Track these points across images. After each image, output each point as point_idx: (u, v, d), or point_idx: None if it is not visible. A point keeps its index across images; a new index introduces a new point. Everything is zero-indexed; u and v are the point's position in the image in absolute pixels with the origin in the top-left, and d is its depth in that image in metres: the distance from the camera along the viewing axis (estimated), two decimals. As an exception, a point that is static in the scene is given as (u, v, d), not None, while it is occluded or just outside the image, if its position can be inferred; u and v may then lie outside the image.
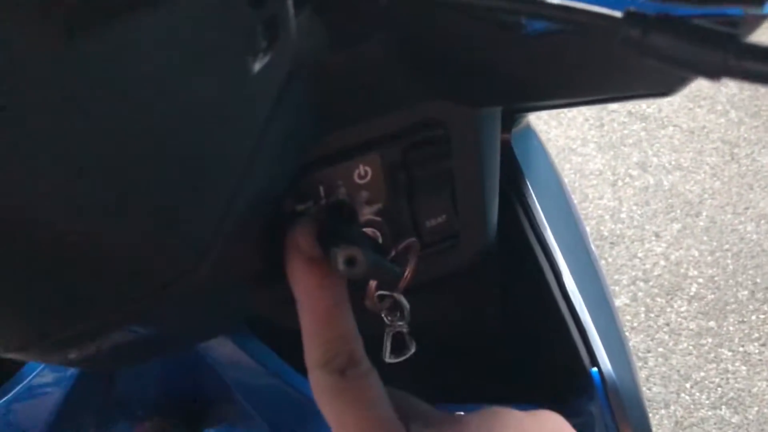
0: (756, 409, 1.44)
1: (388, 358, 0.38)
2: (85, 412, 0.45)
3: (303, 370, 0.41)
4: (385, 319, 0.36)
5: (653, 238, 1.75)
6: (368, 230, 0.34)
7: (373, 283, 0.35)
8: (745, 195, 1.83)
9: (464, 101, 0.33)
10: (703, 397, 1.45)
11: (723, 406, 1.44)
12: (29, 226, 0.20)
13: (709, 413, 1.43)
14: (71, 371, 0.43)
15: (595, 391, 0.39)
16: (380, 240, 0.35)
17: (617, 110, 2.08)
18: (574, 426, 0.39)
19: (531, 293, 0.43)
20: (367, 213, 0.34)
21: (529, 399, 0.41)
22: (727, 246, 1.72)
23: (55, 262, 0.22)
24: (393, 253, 0.35)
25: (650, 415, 1.44)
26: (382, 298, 0.36)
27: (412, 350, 0.37)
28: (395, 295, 0.35)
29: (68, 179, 0.19)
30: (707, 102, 2.05)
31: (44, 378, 0.43)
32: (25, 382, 0.44)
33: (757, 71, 0.18)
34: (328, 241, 0.31)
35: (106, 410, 0.45)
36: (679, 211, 1.82)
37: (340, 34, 0.29)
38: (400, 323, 0.36)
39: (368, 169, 0.33)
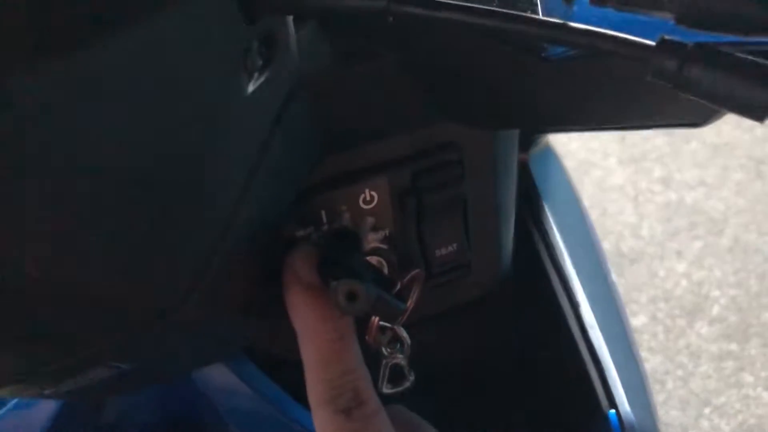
0: None
1: (385, 389, 0.36)
2: (78, 430, 0.43)
3: (301, 399, 0.39)
4: (383, 350, 0.34)
5: (674, 256, 1.72)
6: (373, 259, 0.32)
7: (375, 319, 0.33)
8: None
9: (479, 124, 0.31)
10: (723, 423, 1.41)
11: None
12: (8, 264, 0.18)
13: (729, 440, 1.39)
14: None
15: (610, 426, 0.37)
16: (386, 269, 0.33)
17: (640, 124, 2.04)
18: None
19: (547, 327, 0.41)
20: (372, 240, 0.32)
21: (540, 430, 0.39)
22: (751, 266, 1.68)
23: (35, 300, 0.20)
24: (398, 286, 0.32)
25: (665, 440, 1.41)
26: (382, 329, 0.34)
27: (410, 382, 0.36)
28: (395, 327, 0.33)
29: (50, 213, 0.17)
30: (733, 117, 2.00)
31: None
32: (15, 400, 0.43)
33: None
34: (329, 271, 0.29)
35: (98, 430, 0.43)
36: (701, 229, 1.78)
37: (345, 52, 0.27)
38: (400, 355, 0.34)
39: (375, 193, 0.31)
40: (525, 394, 0.41)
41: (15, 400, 0.41)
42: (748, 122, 1.53)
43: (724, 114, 0.27)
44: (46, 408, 0.42)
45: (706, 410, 1.43)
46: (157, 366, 0.29)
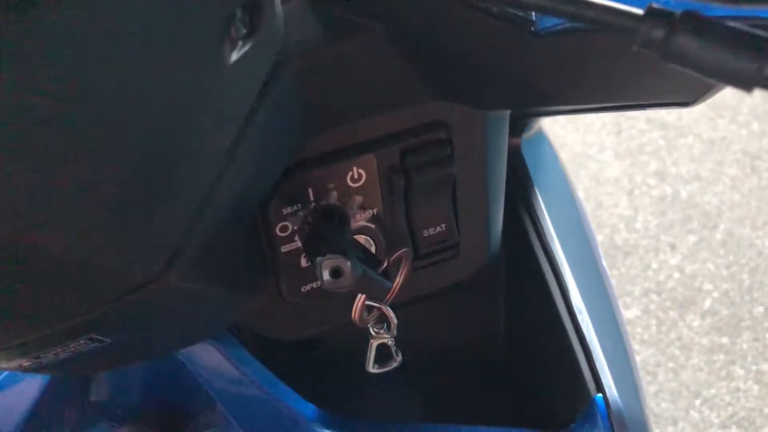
0: (767, 430, 1.40)
1: (372, 369, 0.36)
2: (64, 409, 0.43)
3: (287, 380, 0.39)
4: (370, 330, 0.34)
5: (668, 249, 1.72)
6: (360, 238, 0.32)
7: (362, 297, 0.32)
8: (765, 209, 1.80)
9: (468, 102, 0.30)
10: (713, 415, 1.42)
11: (733, 426, 1.41)
12: None
13: (719, 432, 1.40)
14: None
15: (598, 418, 0.37)
16: (373, 248, 0.32)
17: (636, 117, 2.04)
18: None
19: (536, 311, 0.41)
20: (360, 219, 0.32)
21: (530, 421, 0.39)
22: (744, 260, 1.68)
23: (19, 267, 0.19)
24: (385, 263, 0.32)
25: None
26: (369, 308, 0.33)
27: (398, 362, 0.35)
28: (382, 307, 0.33)
29: (32, 180, 0.17)
30: (729, 112, 2.01)
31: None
32: (4, 372, 0.42)
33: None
34: (316, 247, 0.29)
35: (83, 410, 0.43)
36: (696, 223, 1.78)
37: (334, 25, 0.27)
38: (386, 335, 0.34)
39: (363, 171, 0.31)
40: (512, 378, 0.41)
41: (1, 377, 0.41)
42: (743, 117, 1.54)
43: (713, 93, 0.27)
44: (31, 388, 0.42)
45: (697, 402, 1.44)
46: (141, 341, 0.29)
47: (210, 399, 0.41)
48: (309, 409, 0.38)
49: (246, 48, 0.22)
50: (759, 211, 1.76)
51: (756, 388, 1.45)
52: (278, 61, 0.25)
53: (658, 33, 0.17)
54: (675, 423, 1.39)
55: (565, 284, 0.40)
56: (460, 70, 0.28)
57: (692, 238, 1.71)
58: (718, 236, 1.71)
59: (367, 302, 0.33)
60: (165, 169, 0.21)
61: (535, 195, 0.44)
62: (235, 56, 0.21)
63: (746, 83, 0.17)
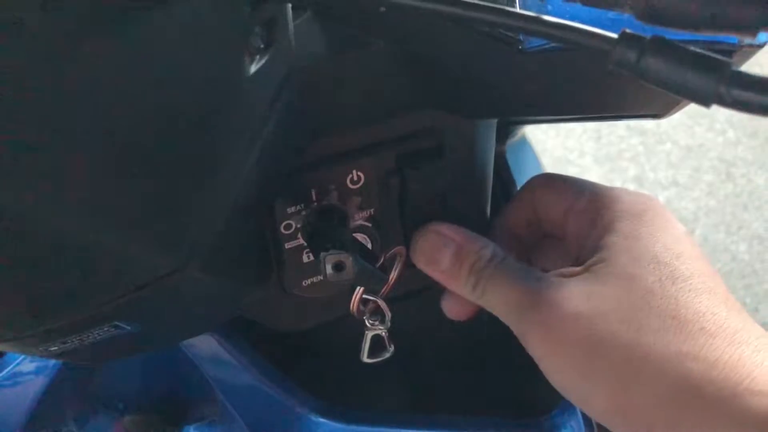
0: None
1: (366, 359, 0.38)
2: (66, 403, 0.45)
3: (285, 370, 0.41)
4: (366, 322, 0.37)
5: (646, 253, 1.75)
6: (359, 236, 0.35)
7: (360, 290, 0.35)
8: (739, 215, 1.84)
9: (460, 112, 0.33)
10: None
11: None
12: (25, 222, 0.20)
13: None
14: (53, 362, 0.43)
15: (575, 409, 0.39)
16: (370, 246, 0.35)
17: (616, 124, 2.08)
18: None
19: None
20: (358, 218, 0.34)
21: (510, 411, 0.41)
22: (719, 265, 1.72)
23: (50, 254, 0.22)
24: (381, 260, 0.35)
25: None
26: (365, 302, 0.36)
27: (390, 353, 0.38)
28: (378, 300, 0.35)
29: (64, 176, 0.19)
30: (706, 120, 2.05)
31: (26, 366, 0.43)
32: (7, 369, 0.44)
33: (747, 101, 0.18)
34: (319, 244, 0.31)
35: (86, 403, 0.45)
36: None
37: (338, 40, 0.29)
38: (381, 327, 0.37)
39: (361, 174, 0.33)
40: (494, 368, 0.44)
41: (10, 367, 0.43)
42: (720, 125, 1.56)
43: (681, 107, 0.30)
44: (38, 378, 0.44)
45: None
46: (158, 329, 0.31)
47: (209, 387, 0.43)
48: (306, 399, 0.40)
49: (263, 61, 0.24)
50: (733, 216, 1.81)
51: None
52: (287, 72, 0.27)
53: (631, 54, 0.20)
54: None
55: None
56: (452, 82, 0.31)
57: (669, 243, 1.75)
58: (695, 240, 1.76)
59: (363, 296, 0.35)
60: (191, 169, 0.23)
61: None
62: (253, 68, 0.24)
63: (705, 100, 0.19)
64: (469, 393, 0.43)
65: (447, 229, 0.34)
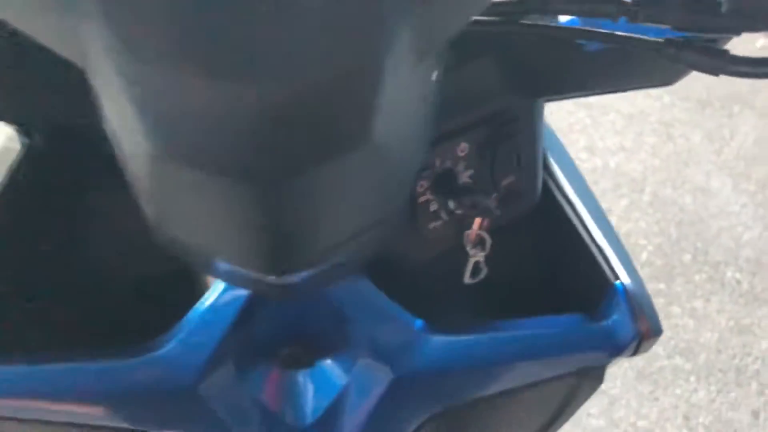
0: (704, 356, 1.58)
1: (468, 280, 0.51)
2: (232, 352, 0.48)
3: (409, 307, 0.52)
4: (469, 251, 0.50)
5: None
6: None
7: (477, 222, 0.49)
8: (682, 171, 1.99)
9: (531, 95, 0.48)
10: (660, 349, 1.60)
11: (677, 356, 1.57)
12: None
13: (666, 362, 1.59)
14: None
15: (620, 298, 0.53)
16: (472, 196, 0.49)
17: (562, 101, 2.23)
18: (604, 327, 0.53)
19: (558, 231, 0.57)
20: (464, 177, 0.48)
21: (564, 309, 0.54)
22: (670, 216, 1.86)
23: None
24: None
25: (614, 368, 1.60)
26: (469, 236, 0.50)
27: (483, 274, 0.51)
28: (481, 232, 0.50)
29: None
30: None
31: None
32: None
33: (741, 71, 0.34)
34: (447, 192, 0.45)
35: (245, 352, 0.54)
36: (625, 189, 1.94)
37: (460, 51, 0.43)
38: (482, 253, 0.51)
39: (466, 145, 0.47)
40: (547, 284, 0.58)
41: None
42: (656, 92, 1.71)
43: (684, 76, 0.45)
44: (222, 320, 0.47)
45: (647, 336, 1.63)
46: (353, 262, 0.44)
47: (342, 321, 0.50)
48: (417, 321, 0.52)
49: (437, 70, 0.38)
50: (678, 173, 1.97)
51: (691, 322, 1.64)
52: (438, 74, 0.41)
53: (671, 50, 0.35)
54: (630, 359, 1.58)
55: (576, 208, 0.56)
56: (533, 75, 0.45)
57: (624, 202, 1.89)
58: (646, 198, 1.89)
59: (472, 231, 0.49)
60: (407, 155, 0.36)
61: (549, 158, 0.61)
62: (435, 76, 0.38)
63: (715, 71, 0.35)
64: (529, 300, 0.56)
65: None
